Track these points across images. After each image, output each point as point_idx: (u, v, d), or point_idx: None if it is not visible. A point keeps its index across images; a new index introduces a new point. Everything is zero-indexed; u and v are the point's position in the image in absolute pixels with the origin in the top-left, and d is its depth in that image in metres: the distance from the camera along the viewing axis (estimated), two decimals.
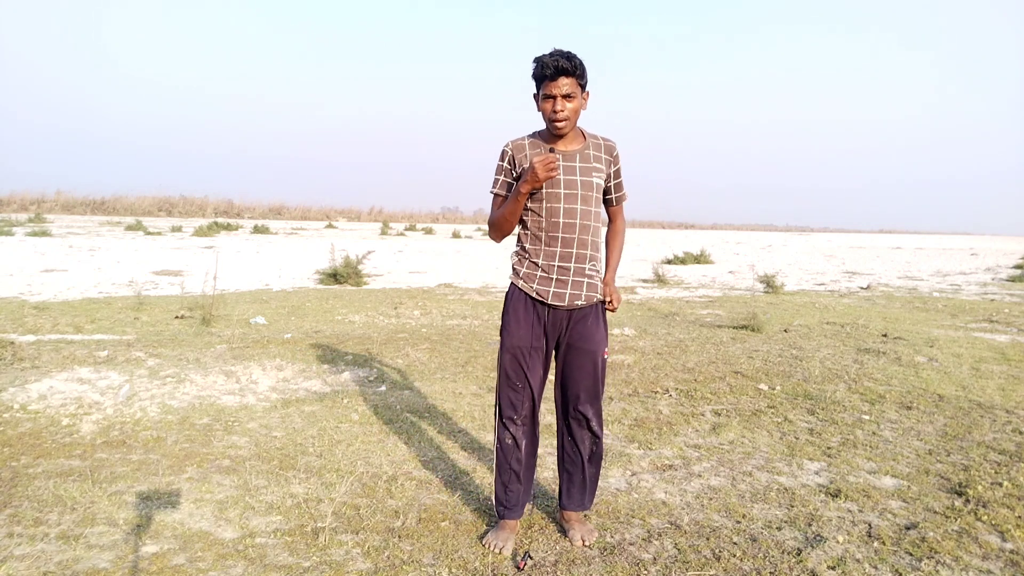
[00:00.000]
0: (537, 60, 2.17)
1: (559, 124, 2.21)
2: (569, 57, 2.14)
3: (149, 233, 21.24)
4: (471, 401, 4.13)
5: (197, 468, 2.97)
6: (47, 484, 2.72)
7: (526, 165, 2.26)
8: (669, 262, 16.54)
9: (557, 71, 2.13)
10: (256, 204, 41.98)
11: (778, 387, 4.58)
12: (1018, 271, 16.05)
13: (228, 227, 25.25)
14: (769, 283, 10.90)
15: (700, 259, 17.60)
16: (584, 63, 2.18)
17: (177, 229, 23.36)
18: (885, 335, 6.58)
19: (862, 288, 12.11)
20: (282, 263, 13.60)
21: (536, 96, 2.25)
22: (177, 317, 6.75)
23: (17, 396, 3.79)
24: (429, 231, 32.71)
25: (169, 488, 2.75)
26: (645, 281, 12.36)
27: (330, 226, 32.98)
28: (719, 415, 3.95)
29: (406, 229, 33.25)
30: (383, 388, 4.37)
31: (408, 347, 5.51)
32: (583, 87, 2.21)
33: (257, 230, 25.25)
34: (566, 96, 2.17)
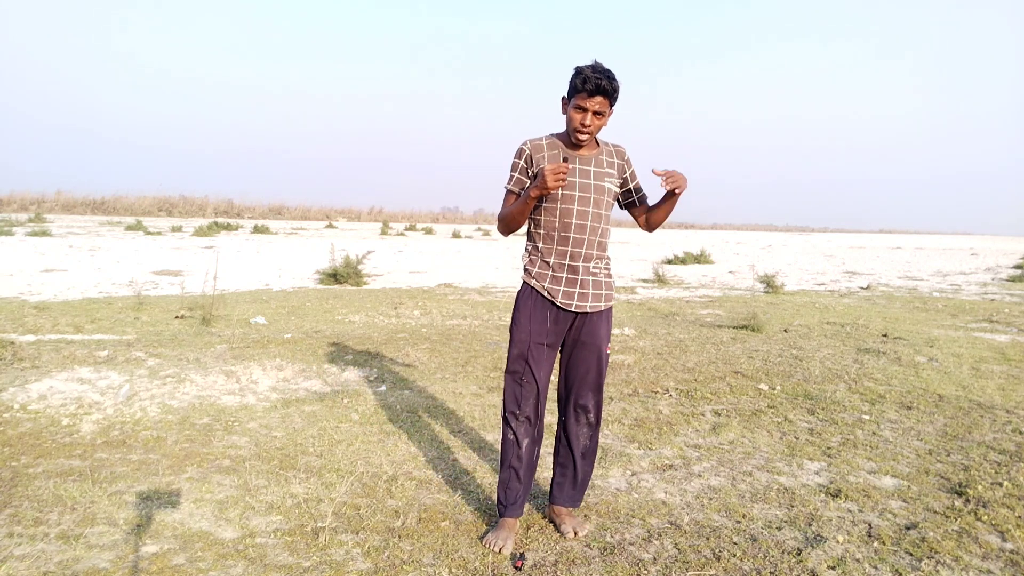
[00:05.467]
0: (579, 72, 2.20)
1: (582, 137, 2.28)
2: (610, 78, 2.19)
3: (149, 233, 21.24)
4: (471, 401, 4.13)
5: (197, 468, 2.97)
6: (47, 484, 2.72)
7: (543, 166, 2.31)
8: (669, 262, 16.54)
9: (597, 90, 2.18)
10: (256, 204, 41.98)
11: (778, 387, 4.58)
12: (1018, 271, 16.05)
13: (228, 227, 25.24)
14: (769, 283, 10.90)
15: (700, 259, 17.60)
16: (620, 85, 2.23)
17: (177, 229, 23.36)
18: (885, 335, 6.58)
19: (862, 288, 12.11)
20: (282, 263, 13.60)
21: (565, 100, 2.29)
22: (177, 317, 6.75)
23: (17, 396, 3.79)
24: (429, 231, 32.71)
25: (169, 488, 2.75)
26: (645, 281, 12.36)
27: (330, 226, 32.97)
28: (719, 415, 3.95)
29: (406, 229, 33.24)
30: (383, 388, 4.37)
31: (408, 347, 5.51)
32: (612, 105, 2.27)
33: (257, 230, 25.24)
34: (596, 113, 2.24)
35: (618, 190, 2.45)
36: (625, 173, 2.45)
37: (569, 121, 2.29)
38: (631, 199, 2.50)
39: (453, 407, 4.00)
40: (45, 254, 13.10)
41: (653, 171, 2.28)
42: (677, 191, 2.30)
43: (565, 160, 2.30)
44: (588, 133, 2.27)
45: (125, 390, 3.98)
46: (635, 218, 2.54)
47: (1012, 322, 7.85)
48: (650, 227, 2.53)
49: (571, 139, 2.32)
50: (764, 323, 6.97)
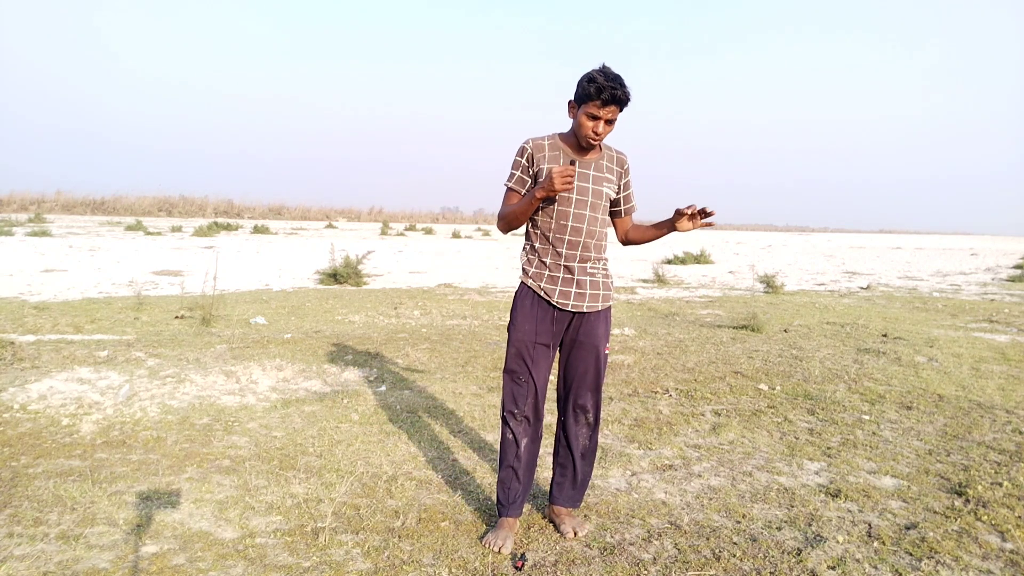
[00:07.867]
0: (592, 80, 2.18)
1: (593, 143, 2.31)
2: (623, 86, 2.19)
3: (149, 233, 21.24)
4: (471, 401, 4.13)
5: (197, 468, 2.97)
6: (47, 484, 2.72)
7: (543, 166, 2.33)
8: (669, 262, 16.53)
9: (612, 99, 2.19)
10: (256, 204, 41.99)
11: (778, 387, 4.58)
12: (1018, 271, 16.05)
13: (228, 227, 25.24)
14: (769, 283, 10.90)
15: (700, 259, 17.59)
16: (631, 91, 2.22)
17: (177, 229, 23.36)
18: (885, 335, 6.58)
19: (862, 288, 12.11)
20: (282, 263, 13.60)
21: (573, 104, 2.29)
22: (177, 317, 6.75)
23: (17, 396, 3.79)
24: (429, 231, 32.70)
25: (169, 488, 2.75)
26: (645, 281, 12.36)
27: (330, 226, 32.97)
28: (719, 415, 3.95)
29: (406, 229, 33.24)
30: (383, 388, 4.37)
31: (408, 347, 5.51)
32: (621, 111, 2.28)
33: (257, 230, 25.24)
34: (608, 121, 2.25)
35: (614, 195, 2.47)
36: (621, 181, 2.47)
37: (579, 127, 2.28)
38: (617, 208, 2.51)
39: (453, 407, 4.00)
40: (45, 254, 13.10)
41: (698, 210, 2.27)
42: (707, 223, 2.31)
43: (572, 163, 2.30)
44: (599, 140, 2.30)
45: (125, 390, 3.98)
46: (615, 228, 2.55)
47: (1012, 322, 7.85)
48: (627, 242, 2.56)
49: (579, 143, 2.34)
50: (764, 323, 6.97)
